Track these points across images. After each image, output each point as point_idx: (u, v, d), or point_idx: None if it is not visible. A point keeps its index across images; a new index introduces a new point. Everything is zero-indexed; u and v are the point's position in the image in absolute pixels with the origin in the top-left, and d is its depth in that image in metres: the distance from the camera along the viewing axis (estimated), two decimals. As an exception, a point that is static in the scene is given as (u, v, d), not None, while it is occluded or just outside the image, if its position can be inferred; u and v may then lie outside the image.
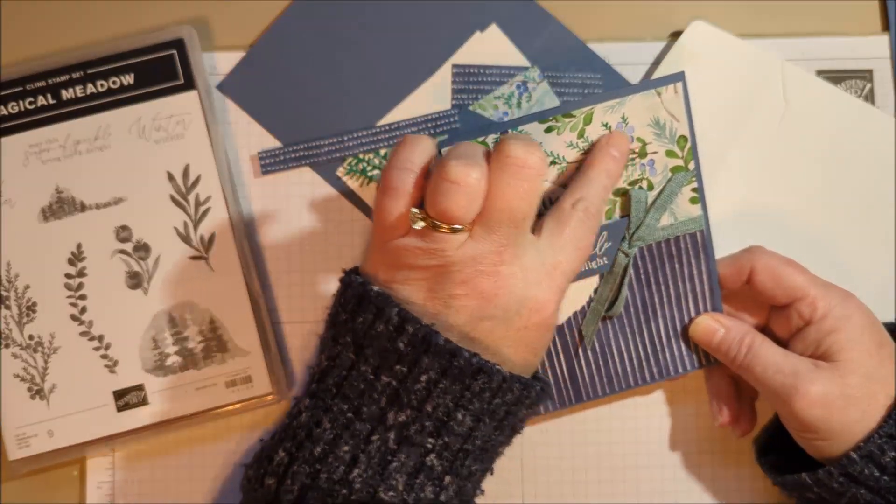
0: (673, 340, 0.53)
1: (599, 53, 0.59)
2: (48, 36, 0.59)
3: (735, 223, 0.57)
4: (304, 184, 0.58)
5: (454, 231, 0.43)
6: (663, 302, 0.52)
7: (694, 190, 0.51)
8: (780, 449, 0.54)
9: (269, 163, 0.58)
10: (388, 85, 0.58)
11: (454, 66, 0.59)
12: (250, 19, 0.59)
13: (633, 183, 0.50)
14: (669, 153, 0.50)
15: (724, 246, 0.54)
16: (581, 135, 0.49)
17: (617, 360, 0.53)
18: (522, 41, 0.59)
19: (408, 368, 0.42)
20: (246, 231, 0.57)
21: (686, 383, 0.58)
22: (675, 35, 0.59)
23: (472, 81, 0.58)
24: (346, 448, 0.42)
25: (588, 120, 0.49)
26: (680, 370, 0.53)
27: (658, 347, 0.53)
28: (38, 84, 0.56)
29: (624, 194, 0.50)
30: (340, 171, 0.58)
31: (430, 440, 0.43)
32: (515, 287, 0.44)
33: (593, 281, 0.51)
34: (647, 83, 0.49)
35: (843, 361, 0.48)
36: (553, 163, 0.49)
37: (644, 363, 0.53)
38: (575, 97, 0.58)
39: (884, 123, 0.58)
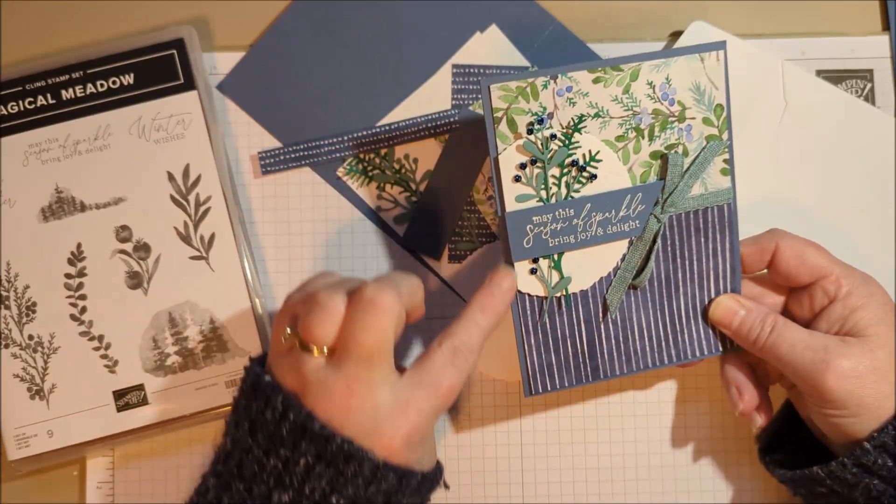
0: (693, 320, 0.52)
1: (599, 53, 0.59)
2: (48, 36, 0.59)
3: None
4: (304, 184, 0.58)
5: (315, 352, 0.46)
6: (686, 278, 0.52)
7: (725, 161, 0.51)
8: (784, 447, 0.54)
9: (269, 163, 0.58)
10: (388, 85, 0.58)
11: (454, 66, 0.59)
12: (250, 19, 0.59)
13: (670, 147, 0.50)
14: (706, 121, 0.50)
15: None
16: (627, 90, 0.49)
17: (637, 336, 0.52)
18: (522, 41, 0.59)
19: (290, 452, 0.45)
20: (246, 231, 0.57)
21: (686, 383, 0.58)
22: (675, 35, 0.59)
23: (472, 81, 0.58)
24: None
25: (635, 76, 0.49)
26: (698, 353, 0.53)
27: (678, 327, 0.52)
28: (38, 84, 0.56)
29: (661, 157, 0.50)
30: (340, 171, 0.58)
31: None
32: (364, 422, 0.45)
33: (622, 246, 0.51)
34: (692, 48, 0.49)
35: (872, 336, 0.48)
36: (597, 115, 0.49)
37: (664, 342, 0.52)
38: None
39: (884, 123, 0.58)
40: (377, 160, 0.58)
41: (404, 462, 0.45)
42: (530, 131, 0.49)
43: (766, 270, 0.52)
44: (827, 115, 0.58)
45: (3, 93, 0.56)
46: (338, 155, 0.58)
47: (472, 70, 0.58)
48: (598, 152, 0.49)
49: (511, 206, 0.49)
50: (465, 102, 0.58)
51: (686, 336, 0.53)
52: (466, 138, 0.58)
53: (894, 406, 0.47)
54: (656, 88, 0.49)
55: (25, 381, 0.55)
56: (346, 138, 0.58)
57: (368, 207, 0.58)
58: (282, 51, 0.59)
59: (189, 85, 0.57)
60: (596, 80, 0.49)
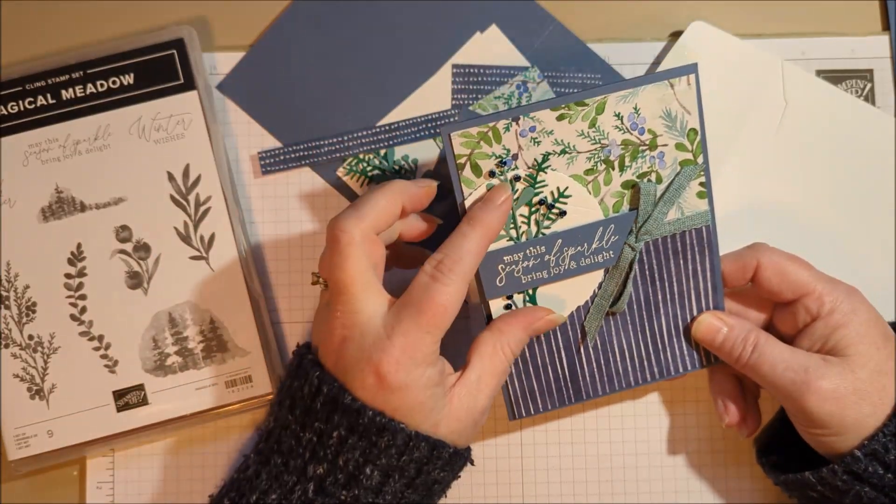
0: (675, 339, 0.52)
1: (599, 53, 0.59)
2: (48, 36, 0.59)
3: (735, 222, 0.57)
4: (304, 184, 0.58)
5: (323, 288, 0.48)
6: (666, 299, 0.52)
7: (702, 184, 0.50)
8: (781, 449, 0.54)
9: (269, 163, 0.58)
10: (388, 85, 0.58)
11: (454, 66, 0.59)
12: (250, 19, 0.59)
13: (642, 175, 0.50)
14: (679, 146, 0.50)
15: (724, 245, 0.54)
16: (593, 124, 0.48)
17: (618, 357, 0.52)
18: (522, 41, 0.59)
19: (324, 425, 0.46)
20: (246, 231, 0.57)
21: (685, 382, 0.58)
22: (675, 35, 0.59)
23: (472, 81, 0.58)
24: (273, 497, 0.46)
25: (600, 109, 0.48)
26: (681, 369, 0.53)
27: (660, 346, 0.52)
28: (38, 84, 0.56)
29: (633, 187, 0.50)
30: (340, 171, 0.58)
31: (343, 492, 0.46)
32: (354, 352, 0.46)
33: (597, 275, 0.51)
34: (661, 74, 0.49)
35: (853, 356, 0.48)
36: (564, 152, 0.49)
37: (645, 362, 0.53)
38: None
39: (884, 123, 0.58)
40: (377, 160, 0.58)
41: (404, 391, 0.45)
42: (493, 174, 0.48)
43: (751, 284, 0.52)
44: (827, 115, 0.58)
45: (3, 93, 0.56)
46: (338, 155, 0.58)
47: (472, 70, 0.58)
48: (566, 188, 0.49)
49: None
50: (465, 102, 0.58)
51: (668, 353, 0.53)
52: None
53: (876, 425, 0.47)
54: (624, 119, 0.49)
55: (25, 381, 0.55)
56: (346, 138, 0.58)
57: (368, 207, 0.58)
58: (282, 51, 0.59)
59: (189, 85, 0.57)
60: (560, 118, 0.48)
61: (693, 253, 0.51)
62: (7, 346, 0.55)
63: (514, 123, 0.48)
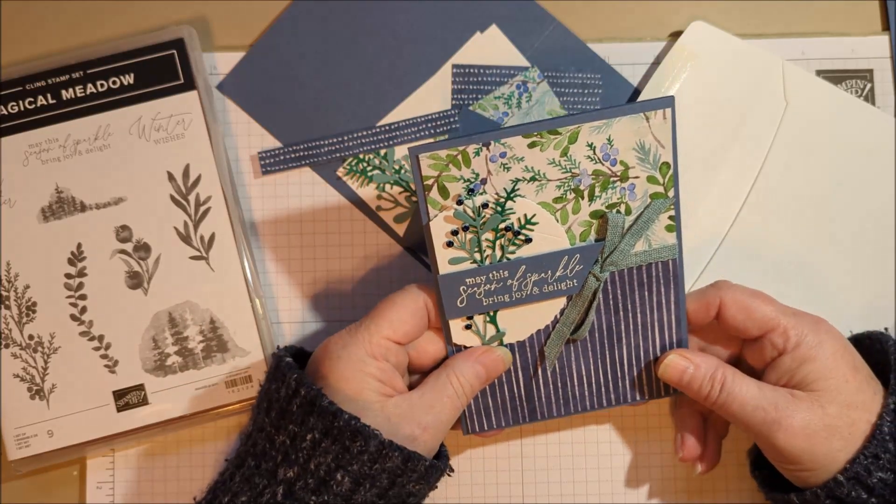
0: (635, 368, 0.52)
1: (599, 53, 0.59)
2: (48, 36, 0.59)
3: (735, 222, 0.57)
4: (304, 184, 0.58)
5: None
6: (629, 329, 0.51)
7: (671, 218, 0.50)
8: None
9: (269, 163, 0.58)
10: (388, 85, 0.58)
11: (454, 66, 0.59)
12: (250, 19, 0.59)
13: (611, 206, 0.49)
14: (651, 179, 0.49)
15: (733, 247, 0.54)
16: (565, 153, 0.48)
17: (576, 382, 0.52)
18: (522, 41, 0.59)
19: (298, 427, 0.46)
20: (246, 231, 0.57)
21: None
22: (675, 35, 0.59)
23: (472, 81, 0.58)
24: (243, 499, 0.46)
25: (573, 139, 0.48)
26: (638, 398, 0.53)
27: (619, 374, 0.52)
28: (38, 84, 0.56)
29: (601, 217, 0.49)
30: (340, 171, 0.58)
31: (313, 497, 0.46)
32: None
33: (560, 302, 0.50)
34: (637, 105, 0.48)
35: (822, 391, 0.48)
36: (533, 179, 0.48)
37: (603, 388, 0.53)
38: (575, 97, 0.58)
39: (884, 123, 0.58)
40: (377, 160, 0.58)
41: (340, 361, 0.48)
42: (460, 202, 0.48)
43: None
44: (827, 115, 0.58)
45: (3, 93, 0.56)
46: (338, 155, 0.58)
47: (472, 70, 0.58)
48: (533, 215, 0.49)
49: (444, 268, 0.49)
50: (465, 102, 0.58)
51: (627, 381, 0.53)
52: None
53: (847, 458, 0.47)
54: (597, 150, 0.48)
55: (25, 381, 0.55)
56: (346, 138, 0.58)
57: (368, 207, 0.58)
58: (282, 51, 0.59)
59: (189, 85, 0.57)
60: (532, 145, 0.48)
61: (658, 285, 0.51)
62: (7, 346, 0.55)
63: (484, 148, 0.47)
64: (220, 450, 0.57)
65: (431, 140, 0.58)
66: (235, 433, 0.57)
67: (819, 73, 0.59)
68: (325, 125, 0.58)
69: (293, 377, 0.47)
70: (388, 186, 0.58)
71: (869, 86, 0.59)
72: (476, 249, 0.49)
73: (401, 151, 0.58)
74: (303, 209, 0.58)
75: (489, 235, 0.49)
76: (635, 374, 0.52)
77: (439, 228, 0.48)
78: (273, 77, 0.59)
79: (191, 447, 0.57)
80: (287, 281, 0.58)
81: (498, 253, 0.49)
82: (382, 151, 0.58)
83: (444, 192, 0.48)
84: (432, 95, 0.58)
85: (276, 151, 0.58)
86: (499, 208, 0.48)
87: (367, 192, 0.58)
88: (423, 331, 0.50)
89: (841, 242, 0.57)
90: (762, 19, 0.59)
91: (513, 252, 0.49)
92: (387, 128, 0.58)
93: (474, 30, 0.59)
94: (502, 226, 0.48)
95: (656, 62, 0.59)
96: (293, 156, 0.58)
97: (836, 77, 0.59)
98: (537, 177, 0.48)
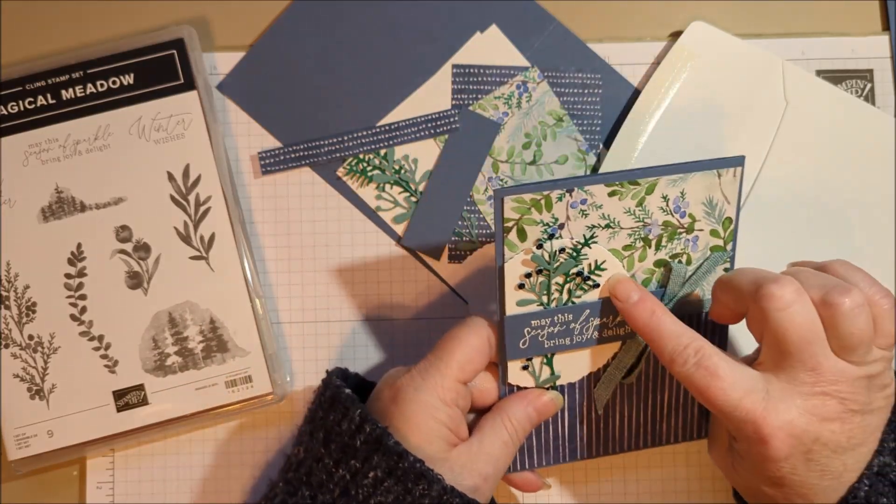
0: (674, 411, 0.53)
1: (599, 53, 0.59)
2: (48, 36, 0.59)
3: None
4: (304, 184, 0.58)
5: None
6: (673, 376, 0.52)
7: (725, 270, 0.51)
8: None
9: (269, 163, 0.58)
10: (388, 85, 0.58)
11: (454, 66, 0.59)
12: (250, 19, 0.59)
13: (674, 256, 0.50)
14: (713, 232, 0.50)
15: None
16: (640, 203, 0.48)
17: (618, 424, 0.53)
18: (522, 41, 0.59)
19: (360, 464, 0.46)
20: (246, 231, 0.57)
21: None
22: (675, 35, 0.59)
23: (472, 81, 0.58)
24: None
25: (650, 190, 0.48)
26: (672, 439, 0.54)
27: (659, 417, 0.53)
28: (38, 84, 0.56)
29: (664, 266, 0.50)
30: (340, 171, 0.58)
31: None
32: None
33: (614, 347, 0.51)
34: (711, 162, 0.49)
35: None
36: (608, 226, 0.49)
37: (642, 429, 0.53)
38: (575, 97, 0.58)
39: (884, 123, 0.58)
40: (377, 160, 0.58)
41: (410, 404, 0.47)
42: (539, 245, 0.48)
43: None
44: (827, 115, 0.58)
45: (3, 93, 0.56)
46: (338, 155, 0.58)
47: (472, 70, 0.58)
48: (603, 262, 0.49)
49: (511, 310, 0.49)
50: (465, 102, 0.58)
51: (665, 424, 0.53)
52: (466, 138, 0.58)
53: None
54: (670, 202, 0.49)
55: (25, 381, 0.55)
56: (346, 138, 0.58)
57: (368, 207, 0.58)
58: (282, 51, 0.59)
59: (189, 85, 0.57)
60: (612, 194, 0.48)
61: (707, 334, 0.51)
62: (7, 346, 0.55)
63: (567, 195, 0.47)
64: (221, 450, 0.57)
65: (431, 140, 0.58)
66: (236, 433, 0.57)
67: (819, 73, 0.59)
68: (325, 125, 0.58)
69: (357, 412, 0.46)
70: (387, 186, 0.58)
71: (869, 86, 0.59)
72: (545, 293, 0.49)
73: (401, 151, 0.58)
74: (303, 209, 0.58)
75: (559, 279, 0.49)
76: (674, 417, 0.53)
77: (513, 271, 0.48)
78: (273, 77, 0.59)
79: (191, 447, 0.57)
80: (287, 281, 0.58)
81: (564, 297, 0.49)
82: (382, 151, 0.58)
83: (521, 235, 0.48)
84: (432, 95, 0.58)
85: (276, 151, 0.58)
86: (574, 253, 0.48)
87: (367, 192, 0.58)
88: (485, 365, 0.50)
89: (841, 242, 0.57)
90: (762, 19, 0.59)
91: (579, 296, 0.49)
92: (387, 128, 0.58)
93: (474, 30, 0.59)
94: (574, 270, 0.49)
95: (656, 62, 0.59)
96: (293, 156, 0.58)
97: (836, 77, 0.59)
98: (612, 224, 0.49)
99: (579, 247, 0.48)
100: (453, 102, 0.58)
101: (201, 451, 0.57)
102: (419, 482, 0.45)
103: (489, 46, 0.59)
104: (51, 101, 0.56)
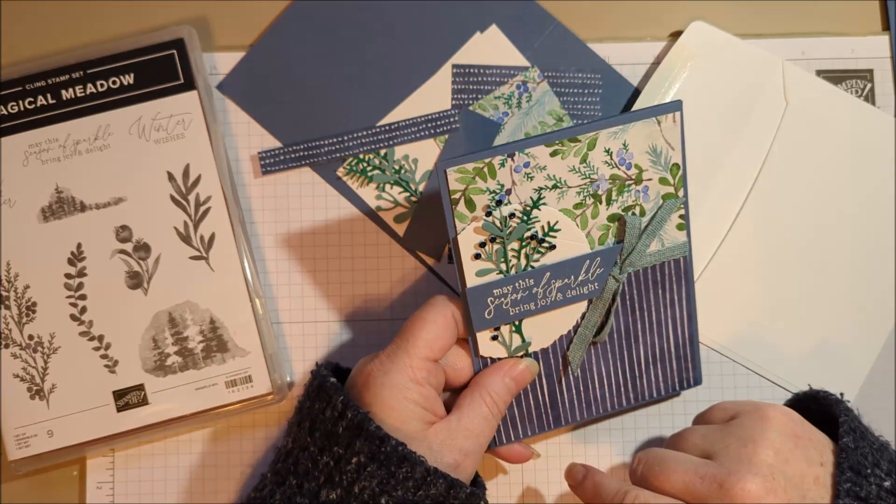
0: (651, 366, 0.54)
1: (599, 53, 0.59)
2: (48, 36, 0.59)
3: (735, 222, 0.57)
4: (304, 184, 0.58)
5: None
6: (645, 328, 0.53)
7: (681, 217, 0.51)
8: None
9: (269, 163, 0.58)
10: (388, 85, 0.58)
11: (454, 66, 0.59)
12: (250, 19, 0.59)
13: (627, 209, 0.50)
14: (662, 180, 0.50)
15: (731, 247, 0.54)
16: (584, 160, 0.49)
17: (597, 384, 0.53)
18: (522, 41, 0.59)
19: (343, 450, 0.46)
20: (246, 231, 0.57)
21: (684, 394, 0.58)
22: (675, 35, 0.59)
23: (472, 81, 0.58)
24: None
25: (592, 145, 0.49)
26: (655, 394, 0.54)
27: (637, 372, 0.54)
28: (38, 84, 0.56)
29: (618, 220, 0.50)
30: (340, 171, 0.58)
31: None
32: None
33: (581, 307, 0.51)
34: (648, 110, 0.49)
35: None
36: (555, 186, 0.49)
37: (622, 388, 0.54)
38: (575, 97, 0.58)
39: (884, 123, 0.58)
40: (377, 160, 0.58)
41: (384, 388, 0.47)
42: (489, 213, 0.48)
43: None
44: (827, 115, 0.58)
45: (3, 93, 0.56)
46: (338, 155, 0.58)
47: (472, 70, 0.58)
48: (556, 222, 0.49)
49: (472, 281, 0.49)
50: (465, 102, 0.58)
51: (644, 379, 0.54)
52: (466, 138, 0.58)
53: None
54: (613, 155, 0.49)
55: (25, 381, 0.55)
56: (346, 138, 0.58)
57: (368, 207, 0.58)
58: (282, 51, 0.59)
59: (189, 85, 0.57)
60: (553, 154, 0.48)
61: (671, 283, 0.52)
62: (7, 346, 0.55)
63: (509, 159, 0.48)
64: (220, 450, 0.57)
65: (431, 140, 0.58)
66: (236, 433, 0.57)
67: (819, 73, 0.59)
68: (325, 125, 0.58)
69: (339, 399, 0.47)
70: (388, 186, 0.58)
71: (869, 86, 0.59)
72: (502, 260, 0.49)
73: (401, 151, 0.58)
74: (303, 209, 0.58)
75: (514, 245, 0.49)
76: (652, 371, 0.54)
77: (467, 241, 0.49)
78: (273, 77, 0.59)
79: (191, 447, 0.57)
80: (287, 281, 0.58)
81: (523, 262, 0.49)
82: (382, 151, 0.58)
83: (470, 205, 0.48)
84: (432, 95, 0.58)
85: (276, 151, 0.58)
86: (524, 217, 0.49)
87: (367, 192, 0.58)
88: (454, 342, 0.50)
89: (841, 242, 0.57)
90: (762, 19, 0.59)
91: (537, 260, 0.50)
92: (387, 128, 0.58)
93: (474, 30, 0.59)
94: (527, 234, 0.49)
95: (656, 62, 0.59)
96: (293, 156, 0.58)
97: (836, 77, 0.59)
98: (559, 184, 0.49)
99: (529, 210, 0.49)
100: (453, 102, 0.58)
101: (201, 451, 0.57)
102: (402, 465, 0.45)
103: (489, 46, 0.59)
104: (51, 101, 0.56)
